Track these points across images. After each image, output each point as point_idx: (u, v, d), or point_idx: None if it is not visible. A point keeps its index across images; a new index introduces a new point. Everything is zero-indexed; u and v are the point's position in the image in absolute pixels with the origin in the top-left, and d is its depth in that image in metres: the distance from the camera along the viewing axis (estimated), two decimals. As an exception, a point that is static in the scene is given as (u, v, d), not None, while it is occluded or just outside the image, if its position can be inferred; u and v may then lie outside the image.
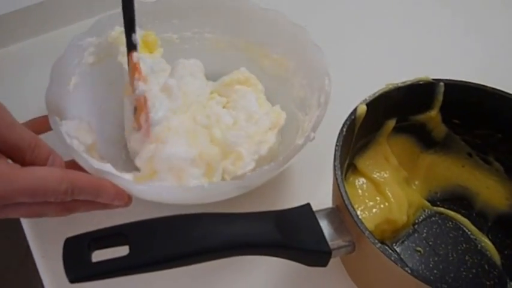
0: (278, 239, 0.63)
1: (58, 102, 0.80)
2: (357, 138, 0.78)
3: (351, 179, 0.82)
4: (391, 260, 0.61)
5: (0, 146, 0.63)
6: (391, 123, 0.82)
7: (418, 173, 0.87)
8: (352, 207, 0.65)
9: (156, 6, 0.94)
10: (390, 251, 0.63)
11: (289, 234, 0.64)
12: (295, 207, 0.68)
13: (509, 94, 0.77)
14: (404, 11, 1.23)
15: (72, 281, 0.58)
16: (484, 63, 1.10)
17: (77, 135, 0.77)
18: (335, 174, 0.68)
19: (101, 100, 0.88)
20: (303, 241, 0.65)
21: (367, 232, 0.63)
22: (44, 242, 0.80)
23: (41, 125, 0.75)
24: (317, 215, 0.68)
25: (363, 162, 0.82)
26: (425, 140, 0.86)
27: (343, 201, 0.66)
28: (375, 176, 0.82)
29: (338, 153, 0.70)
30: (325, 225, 0.67)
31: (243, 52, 0.96)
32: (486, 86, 0.78)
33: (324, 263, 0.67)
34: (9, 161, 0.64)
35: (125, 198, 0.71)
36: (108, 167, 0.72)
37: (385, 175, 0.82)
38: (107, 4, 1.06)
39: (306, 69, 0.88)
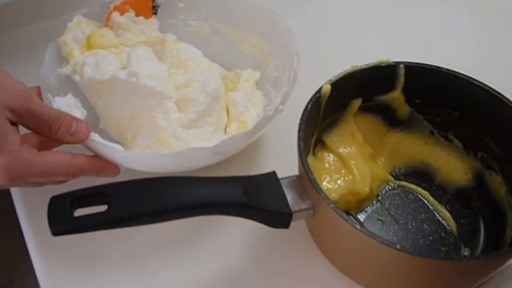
0: (243, 200, 0.70)
1: (51, 81, 0.88)
2: (324, 116, 0.85)
3: (320, 153, 0.88)
4: (342, 218, 0.67)
5: (30, 121, 0.74)
6: (357, 103, 0.88)
7: (384, 151, 0.94)
8: (311, 173, 0.72)
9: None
10: (345, 214, 0.68)
11: (254, 196, 0.71)
12: (262, 174, 0.75)
13: (463, 75, 0.83)
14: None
15: (54, 233, 0.65)
16: (442, 47, 1.17)
17: (68, 111, 0.83)
18: (298, 145, 0.75)
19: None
20: (266, 203, 0.71)
21: (323, 194, 0.69)
22: (31, 206, 0.87)
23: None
24: (281, 182, 0.74)
25: (330, 139, 0.89)
26: (391, 120, 0.92)
27: (303, 168, 0.72)
28: (341, 151, 0.88)
29: (302, 126, 0.76)
30: (288, 191, 0.73)
31: (224, 37, 1.03)
32: (442, 68, 0.84)
33: (286, 225, 0.73)
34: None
35: (118, 172, 0.80)
36: (96, 137, 0.79)
37: (351, 151, 0.89)
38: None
39: (280, 52, 0.95)
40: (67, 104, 0.84)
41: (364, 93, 0.88)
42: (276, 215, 0.72)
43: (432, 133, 0.91)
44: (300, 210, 0.72)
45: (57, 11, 1.17)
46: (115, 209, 0.67)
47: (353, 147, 0.89)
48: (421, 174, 0.92)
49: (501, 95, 0.81)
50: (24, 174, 0.71)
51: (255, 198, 0.71)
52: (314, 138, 0.85)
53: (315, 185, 0.70)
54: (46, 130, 0.75)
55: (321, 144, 0.89)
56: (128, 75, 0.85)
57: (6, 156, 0.69)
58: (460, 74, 0.84)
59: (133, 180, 0.69)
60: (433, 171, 0.92)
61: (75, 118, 0.78)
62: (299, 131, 0.76)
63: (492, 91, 0.81)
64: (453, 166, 0.90)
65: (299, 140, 0.75)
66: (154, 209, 0.68)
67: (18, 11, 1.17)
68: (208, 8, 1.01)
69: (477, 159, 0.87)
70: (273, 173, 0.75)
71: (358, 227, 0.66)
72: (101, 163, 0.78)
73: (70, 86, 0.91)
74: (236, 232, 0.85)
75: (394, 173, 0.93)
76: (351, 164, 0.87)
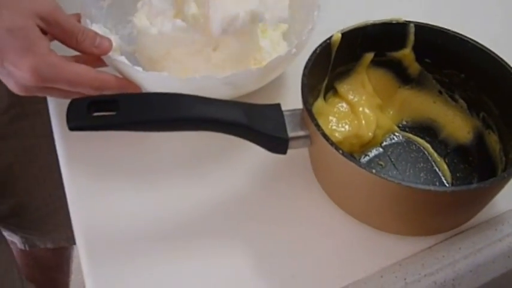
0: (243, 121, 0.77)
1: (91, 11, 0.97)
2: (336, 64, 0.92)
3: (331, 99, 0.96)
4: (329, 142, 0.75)
5: (58, 31, 0.83)
6: (369, 56, 0.95)
7: (394, 104, 1.00)
8: (309, 104, 0.79)
9: None
10: (332, 140, 0.76)
11: (255, 120, 0.78)
12: (267, 104, 0.82)
13: (468, 38, 0.90)
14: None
15: (71, 128, 0.74)
16: (454, 11, 1.25)
17: (102, 37, 0.93)
18: (302, 79, 0.82)
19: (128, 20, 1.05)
20: (265, 127, 0.79)
21: (315, 122, 0.77)
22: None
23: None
24: (284, 112, 0.82)
25: (342, 86, 0.96)
26: (403, 76, 0.98)
27: (302, 99, 0.80)
28: (351, 98, 0.95)
29: (309, 65, 0.84)
30: (289, 120, 0.81)
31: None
32: (449, 30, 0.91)
33: (283, 150, 0.81)
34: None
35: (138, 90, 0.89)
36: (122, 59, 0.87)
37: (360, 99, 0.96)
38: None
39: (305, 6, 1.03)
40: (102, 32, 0.93)
41: (377, 48, 0.94)
42: (273, 139, 0.79)
43: (440, 92, 0.97)
44: (296, 137, 0.80)
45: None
46: (124, 113, 0.75)
47: (363, 96, 0.96)
48: (426, 129, 0.99)
49: (500, 57, 0.87)
50: (51, 77, 0.79)
51: (255, 122, 0.78)
52: (325, 83, 0.92)
53: (309, 114, 0.78)
54: (73, 40, 0.84)
55: (333, 91, 0.96)
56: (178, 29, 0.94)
57: (36, 57, 0.77)
58: (465, 36, 0.90)
59: (146, 93, 0.79)
60: (439, 128, 0.98)
61: (98, 33, 0.86)
62: (305, 68, 0.83)
63: (493, 54, 0.87)
64: (458, 125, 0.96)
65: (303, 75, 0.82)
66: (159, 117, 0.76)
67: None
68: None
69: (479, 119, 0.93)
70: (278, 104, 0.82)
71: (341, 152, 0.73)
72: (124, 82, 0.87)
73: (109, 18, 1.01)
74: (243, 160, 0.93)
75: (401, 125, 0.99)
76: (358, 110, 0.94)
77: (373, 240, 0.85)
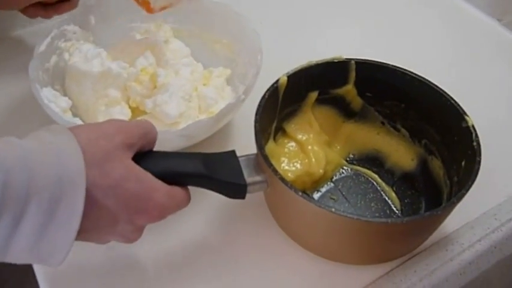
0: (202, 171, 0.79)
1: (40, 74, 0.98)
2: (283, 106, 0.95)
3: (280, 140, 0.99)
4: (287, 186, 0.78)
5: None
6: (314, 95, 0.99)
7: (340, 139, 1.04)
8: (263, 149, 0.82)
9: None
10: (289, 183, 0.78)
11: (212, 169, 0.80)
12: (222, 152, 0.84)
13: (405, 70, 0.94)
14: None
15: None
16: (390, 45, 1.31)
17: (54, 100, 0.95)
18: (254, 126, 0.85)
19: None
20: (223, 175, 0.81)
21: (272, 167, 0.80)
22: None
23: None
24: (240, 159, 0.84)
25: (290, 127, 1.00)
26: (346, 111, 1.03)
27: (257, 145, 0.83)
28: (299, 137, 0.99)
29: (259, 111, 0.87)
30: (244, 166, 0.83)
31: (200, 38, 1.15)
32: (388, 64, 0.95)
33: (242, 195, 0.83)
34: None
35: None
36: (77, 120, 0.90)
37: (308, 137, 0.99)
38: None
39: (247, 51, 1.06)
40: (53, 95, 0.96)
41: (320, 86, 0.98)
42: (232, 186, 0.82)
43: (383, 123, 1.02)
44: (254, 183, 0.82)
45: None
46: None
47: (310, 135, 1.00)
48: (372, 160, 1.03)
49: (437, 86, 0.92)
50: (171, 206, 0.74)
51: (213, 171, 0.80)
52: (274, 125, 0.96)
53: (266, 160, 0.80)
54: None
55: (281, 132, 1.00)
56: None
57: (157, 193, 0.72)
58: (403, 69, 0.94)
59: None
60: (384, 157, 1.02)
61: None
62: (256, 114, 0.86)
63: (430, 84, 0.92)
64: (401, 153, 1.01)
65: (255, 122, 0.85)
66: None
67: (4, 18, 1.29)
68: (185, 13, 1.12)
69: (421, 146, 0.98)
70: (233, 151, 0.85)
71: (300, 193, 0.77)
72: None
73: (56, 78, 1.03)
74: (202, 207, 0.95)
75: (348, 158, 1.03)
76: (308, 148, 0.98)
77: (333, 273, 0.88)
